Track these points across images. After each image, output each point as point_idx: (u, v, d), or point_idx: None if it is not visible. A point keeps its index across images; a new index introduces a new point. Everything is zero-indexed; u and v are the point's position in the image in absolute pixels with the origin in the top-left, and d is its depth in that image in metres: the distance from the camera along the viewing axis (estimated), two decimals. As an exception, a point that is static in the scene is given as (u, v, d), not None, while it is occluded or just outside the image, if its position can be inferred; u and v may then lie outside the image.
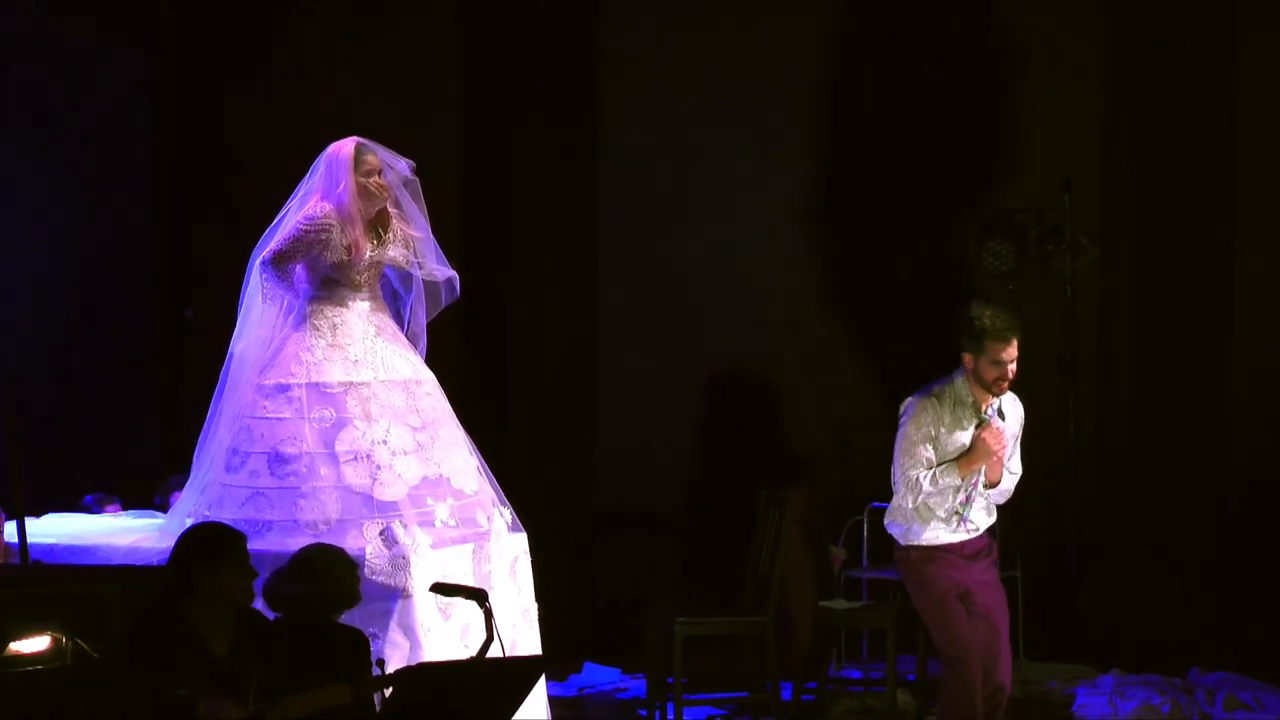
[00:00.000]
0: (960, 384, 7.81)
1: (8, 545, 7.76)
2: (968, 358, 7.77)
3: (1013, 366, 7.76)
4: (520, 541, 8.08)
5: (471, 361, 10.55)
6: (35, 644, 6.21)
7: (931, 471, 7.75)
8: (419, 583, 7.44)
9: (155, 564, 7.30)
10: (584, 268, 10.90)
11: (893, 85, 10.92)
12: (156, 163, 10.70)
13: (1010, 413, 7.92)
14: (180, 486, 8.31)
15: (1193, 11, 10.48)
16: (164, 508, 8.68)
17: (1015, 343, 7.75)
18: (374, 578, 7.42)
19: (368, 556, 7.46)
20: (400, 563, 7.47)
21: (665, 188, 11.00)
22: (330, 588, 6.85)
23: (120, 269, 10.62)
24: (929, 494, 7.75)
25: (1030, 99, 10.86)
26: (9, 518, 7.75)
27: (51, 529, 8.16)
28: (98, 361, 10.54)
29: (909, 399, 7.86)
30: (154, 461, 10.46)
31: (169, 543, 6.64)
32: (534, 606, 8.10)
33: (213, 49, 10.68)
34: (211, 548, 6.29)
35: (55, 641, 6.22)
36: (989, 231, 10.69)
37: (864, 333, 10.99)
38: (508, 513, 8.06)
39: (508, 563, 7.97)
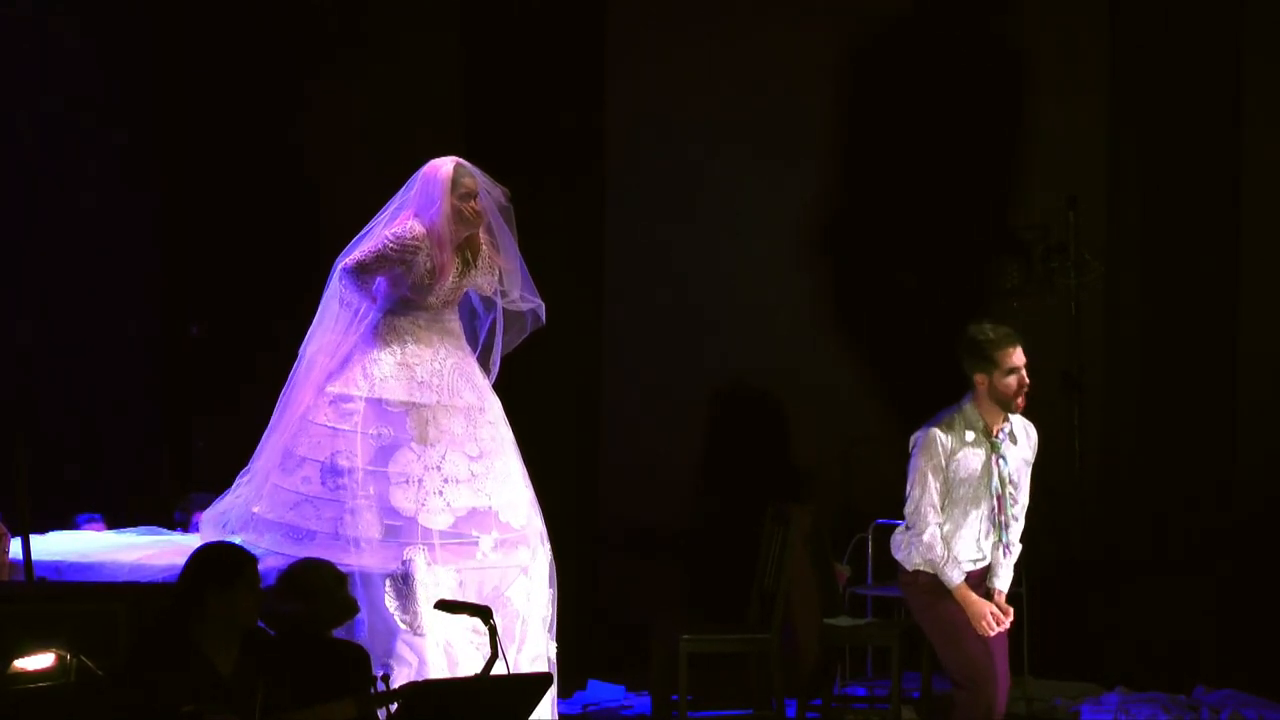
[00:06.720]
0: (969, 409, 7.66)
1: (13, 562, 7.76)
2: (981, 378, 7.61)
3: (1025, 373, 7.65)
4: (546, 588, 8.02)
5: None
6: (40, 661, 6.21)
7: (943, 542, 7.67)
8: (428, 623, 7.42)
9: (160, 581, 7.30)
10: (589, 285, 10.88)
11: (897, 104, 10.91)
12: (163, 177, 10.68)
13: (1023, 438, 7.82)
14: (203, 505, 8.26)
15: (1198, 28, 10.48)
16: (185, 524, 8.66)
17: (1021, 348, 7.68)
18: (388, 609, 7.40)
19: (386, 586, 7.44)
20: (413, 602, 7.44)
21: (671, 205, 10.99)
22: (323, 603, 6.84)
23: (126, 284, 10.61)
24: (929, 546, 7.67)
25: (1035, 116, 10.86)
26: (14, 535, 7.75)
27: (57, 546, 8.15)
28: (104, 378, 10.52)
29: (918, 431, 7.73)
30: (161, 479, 10.45)
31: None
32: (544, 654, 7.98)
33: (218, 66, 10.68)
34: (225, 569, 6.32)
35: (60, 658, 6.22)
36: (994, 249, 10.69)
37: (869, 349, 10.98)
38: (547, 549, 8.01)
39: (539, 602, 7.92)
